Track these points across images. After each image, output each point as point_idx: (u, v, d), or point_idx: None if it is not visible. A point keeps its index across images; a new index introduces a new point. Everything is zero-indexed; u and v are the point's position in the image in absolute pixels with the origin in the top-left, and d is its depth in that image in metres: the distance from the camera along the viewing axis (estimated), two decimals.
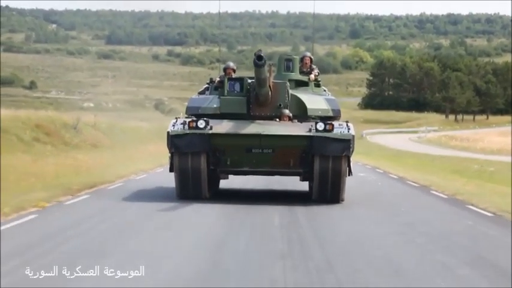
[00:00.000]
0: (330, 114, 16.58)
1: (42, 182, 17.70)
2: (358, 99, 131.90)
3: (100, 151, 33.99)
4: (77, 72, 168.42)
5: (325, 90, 17.58)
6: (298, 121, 16.13)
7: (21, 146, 28.47)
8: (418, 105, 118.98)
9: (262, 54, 14.82)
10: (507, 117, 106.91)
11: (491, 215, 14.30)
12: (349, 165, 15.76)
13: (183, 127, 15.64)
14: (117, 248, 9.90)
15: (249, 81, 16.40)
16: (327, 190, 15.68)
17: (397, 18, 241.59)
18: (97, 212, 13.56)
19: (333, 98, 17.29)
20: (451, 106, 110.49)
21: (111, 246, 9.98)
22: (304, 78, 17.23)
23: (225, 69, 17.37)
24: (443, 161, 41.50)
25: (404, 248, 10.51)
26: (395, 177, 25.85)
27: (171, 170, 15.97)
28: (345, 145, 15.36)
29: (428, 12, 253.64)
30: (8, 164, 20.77)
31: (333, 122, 15.67)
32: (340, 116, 16.87)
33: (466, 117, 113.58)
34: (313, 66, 17.60)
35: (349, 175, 15.87)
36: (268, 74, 15.75)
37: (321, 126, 15.39)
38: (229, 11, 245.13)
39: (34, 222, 11.94)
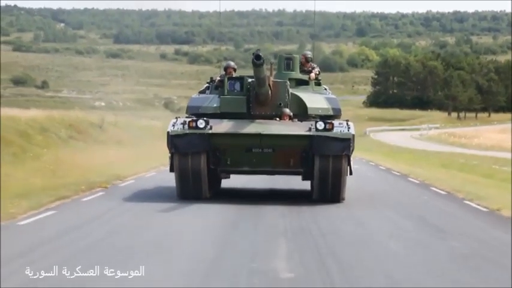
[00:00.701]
0: (331, 113, 16.86)
1: (93, 171, 22.38)
2: (364, 97, 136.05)
3: (124, 147, 38.65)
4: (86, 71, 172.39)
5: (325, 89, 17.88)
6: (298, 120, 16.47)
7: (60, 142, 33.16)
8: (421, 103, 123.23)
9: (260, 54, 15.17)
10: (508, 115, 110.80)
11: (445, 193, 19.00)
12: (349, 164, 16.02)
13: (183, 127, 15.93)
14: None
15: (249, 80, 16.65)
16: (327, 189, 15.95)
17: (403, 16, 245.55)
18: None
19: (333, 96, 17.59)
20: (454, 104, 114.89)
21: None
22: (305, 77, 17.52)
23: (225, 69, 17.56)
24: (436, 156, 45.93)
25: (371, 211, 15.17)
26: (383, 168, 30.61)
27: (171, 170, 16.30)
28: (345, 144, 15.62)
29: (434, 10, 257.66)
30: (59, 157, 25.54)
31: (333, 121, 15.94)
32: (340, 115, 17.18)
33: (468, 114, 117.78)
34: (314, 65, 17.88)
35: (349, 174, 16.19)
36: (269, 73, 16.34)
37: (320, 125, 15.66)
38: (236, 10, 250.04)
39: (103, 197, 16.67)
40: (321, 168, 15.73)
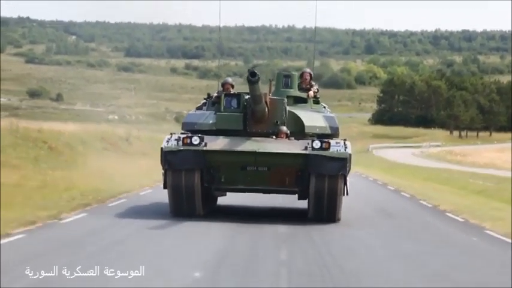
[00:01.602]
0: (328, 131, 16.97)
1: (141, 175, 28.69)
2: (370, 115, 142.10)
3: (150, 158, 45.11)
4: (98, 84, 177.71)
5: (324, 107, 17.96)
6: (295, 138, 16.51)
7: (97, 153, 39.64)
8: (425, 121, 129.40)
9: (255, 71, 15.25)
10: (509, 134, 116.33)
11: (409, 196, 25.47)
12: (345, 184, 16.05)
13: (177, 143, 15.96)
14: None
15: (246, 97, 16.66)
16: (323, 209, 16.08)
17: (412, 34, 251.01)
18: None
19: (331, 115, 17.62)
20: (456, 123, 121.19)
21: None
22: (303, 94, 17.69)
23: (223, 85, 17.69)
24: (426, 171, 51.99)
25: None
26: (371, 179, 37.02)
27: (165, 187, 16.30)
28: (341, 164, 15.70)
29: (443, 28, 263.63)
30: (105, 165, 32.03)
31: (330, 140, 16.03)
32: (338, 134, 17.28)
33: (470, 133, 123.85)
34: (313, 83, 18.05)
35: (345, 194, 16.25)
36: (268, 90, 16.88)
37: (317, 144, 15.76)
38: (246, 25, 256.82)
39: (154, 191, 22.96)
40: (316, 188, 15.84)
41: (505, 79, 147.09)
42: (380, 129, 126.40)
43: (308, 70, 18.51)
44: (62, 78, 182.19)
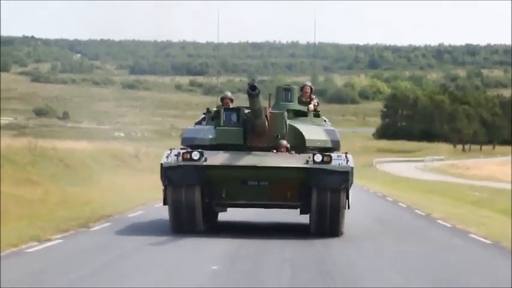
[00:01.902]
0: (329, 145, 16.97)
1: (152, 190, 30.69)
2: (374, 129, 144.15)
3: (158, 174, 47.16)
4: (103, 102, 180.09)
5: (325, 121, 17.94)
6: (296, 152, 16.46)
7: (109, 169, 41.70)
8: (429, 135, 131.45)
9: (255, 84, 15.16)
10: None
11: (405, 206, 27.65)
12: (347, 198, 16.12)
13: (177, 159, 15.89)
14: None
15: (246, 111, 16.64)
16: (326, 224, 16.09)
17: (415, 48, 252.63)
18: None
19: (332, 128, 17.59)
20: (459, 137, 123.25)
21: None
22: (303, 108, 17.71)
23: (222, 99, 17.71)
24: (425, 184, 53.92)
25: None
26: (372, 191, 39.01)
27: (164, 203, 16.40)
28: (343, 177, 15.70)
29: (446, 43, 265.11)
30: (119, 180, 34.07)
31: (332, 154, 16.04)
32: (339, 147, 17.30)
33: (473, 147, 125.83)
34: (313, 96, 18.11)
35: (347, 208, 16.30)
36: (267, 104, 16.95)
37: (318, 157, 15.72)
38: (250, 41, 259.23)
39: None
40: (318, 202, 15.87)
41: (508, 93, 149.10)
42: (384, 143, 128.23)
43: (309, 83, 18.54)
44: (67, 97, 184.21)
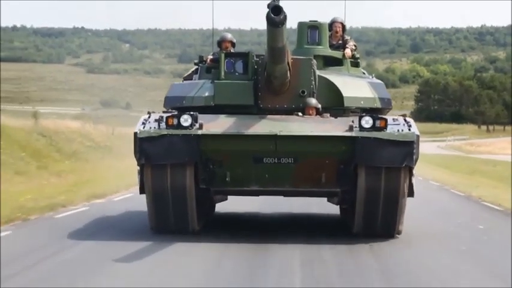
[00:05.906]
0: (378, 105, 13.29)
1: None
2: (409, 113, 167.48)
3: None
4: (156, 91, 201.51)
5: (364, 73, 14.47)
6: (331, 115, 12.61)
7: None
8: (458, 118, 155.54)
9: (280, 5, 10.37)
10: None
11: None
12: (410, 181, 12.20)
13: (158, 125, 11.96)
14: None
15: (256, 58, 12.89)
16: (377, 219, 12.25)
17: (457, 30, 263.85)
18: None
19: (379, 81, 14.04)
20: (483, 118, 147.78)
21: None
22: (337, 53, 14.10)
23: (219, 43, 14.11)
24: (440, 158, 59.97)
25: None
26: None
27: (141, 192, 12.43)
28: (406, 151, 11.77)
29: (488, 24, 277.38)
30: None
31: (386, 117, 12.14)
32: (391, 109, 13.94)
33: (497, 127, 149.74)
34: (346, 37, 14.44)
35: (410, 196, 12.36)
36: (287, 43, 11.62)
37: (368, 122, 11.87)
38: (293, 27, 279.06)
39: None
40: (368, 187, 11.99)
41: None
42: (417, 125, 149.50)
43: (340, 19, 14.60)
44: (122, 87, 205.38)
